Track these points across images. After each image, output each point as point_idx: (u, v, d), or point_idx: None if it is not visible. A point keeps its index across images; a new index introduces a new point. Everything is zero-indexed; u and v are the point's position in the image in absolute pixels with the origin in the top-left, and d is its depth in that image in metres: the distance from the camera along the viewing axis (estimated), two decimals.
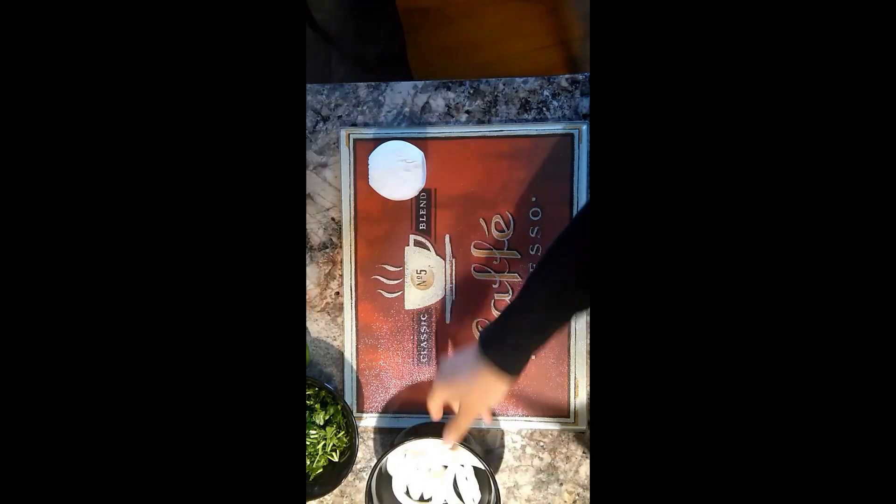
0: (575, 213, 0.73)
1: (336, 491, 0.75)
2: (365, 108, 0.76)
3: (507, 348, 0.57)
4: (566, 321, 0.58)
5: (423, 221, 0.74)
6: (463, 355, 0.62)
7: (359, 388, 0.76)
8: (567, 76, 0.74)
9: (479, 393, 0.60)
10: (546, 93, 0.74)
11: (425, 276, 0.75)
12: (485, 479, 0.70)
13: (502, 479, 0.75)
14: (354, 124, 0.76)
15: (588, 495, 0.74)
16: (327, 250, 0.76)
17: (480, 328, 0.74)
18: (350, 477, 0.76)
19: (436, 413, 0.65)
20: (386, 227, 0.74)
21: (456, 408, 0.64)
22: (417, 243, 0.74)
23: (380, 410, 0.76)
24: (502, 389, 0.59)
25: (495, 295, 0.74)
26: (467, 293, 0.75)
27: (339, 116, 0.76)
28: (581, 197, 0.73)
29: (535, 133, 0.72)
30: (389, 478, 0.72)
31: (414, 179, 0.70)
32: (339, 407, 0.73)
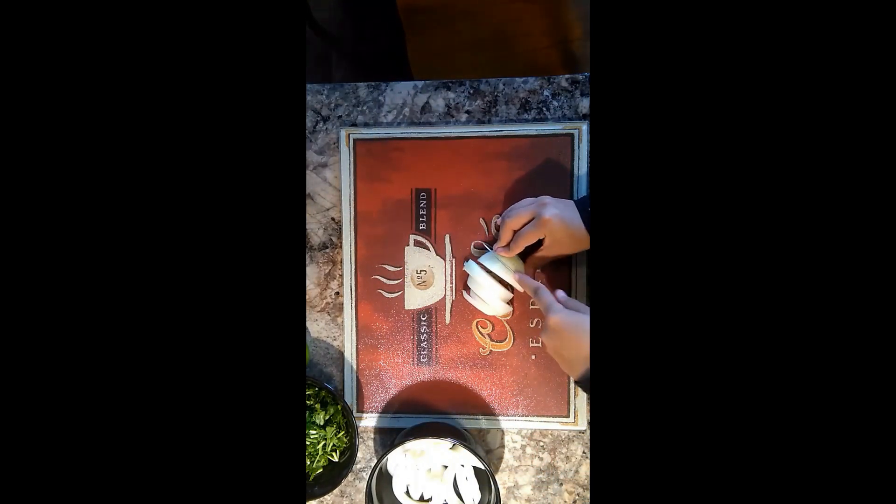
0: None
1: (336, 491, 0.75)
2: (365, 108, 0.76)
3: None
4: None
5: (423, 221, 0.74)
6: (566, 203, 0.66)
7: (359, 388, 0.76)
8: (567, 76, 0.74)
9: (568, 237, 0.65)
10: (546, 93, 0.74)
11: (425, 276, 0.75)
12: (485, 479, 0.70)
13: (502, 479, 0.75)
14: (354, 124, 0.76)
15: (588, 495, 0.74)
16: (327, 250, 0.76)
17: (480, 328, 0.74)
18: (350, 477, 0.76)
19: (505, 240, 0.68)
20: (386, 227, 0.74)
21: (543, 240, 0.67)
22: (417, 243, 0.74)
23: (380, 410, 0.76)
24: (581, 247, 0.66)
25: None
26: None
27: (339, 116, 0.76)
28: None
29: (534, 133, 0.72)
30: (389, 478, 0.72)
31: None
32: (339, 407, 0.73)
